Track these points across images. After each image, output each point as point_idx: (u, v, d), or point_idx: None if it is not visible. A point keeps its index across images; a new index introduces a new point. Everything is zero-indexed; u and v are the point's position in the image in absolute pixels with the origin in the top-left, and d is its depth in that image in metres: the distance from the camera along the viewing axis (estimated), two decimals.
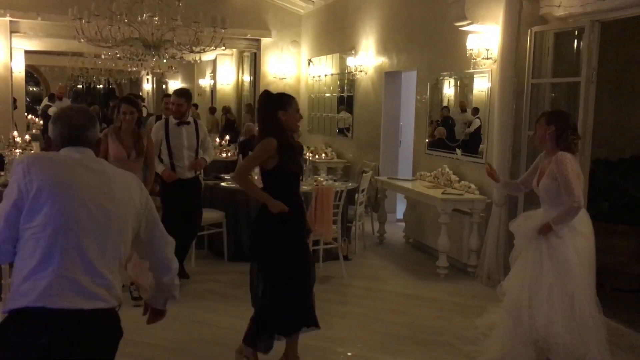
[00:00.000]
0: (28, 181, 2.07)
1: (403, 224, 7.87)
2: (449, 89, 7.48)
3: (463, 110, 7.10)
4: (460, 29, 6.27)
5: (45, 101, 13.24)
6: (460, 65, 6.83)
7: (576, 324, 3.67)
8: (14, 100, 11.39)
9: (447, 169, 6.90)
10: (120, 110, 5.10)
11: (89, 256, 2.09)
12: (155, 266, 2.46)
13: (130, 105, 5.15)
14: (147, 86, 23.66)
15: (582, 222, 3.86)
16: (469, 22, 6.02)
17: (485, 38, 6.17)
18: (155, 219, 2.41)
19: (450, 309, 5.25)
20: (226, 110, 13.85)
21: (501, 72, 5.83)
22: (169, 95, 7.05)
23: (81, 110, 2.32)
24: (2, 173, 6.35)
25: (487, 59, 6.19)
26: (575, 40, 5.60)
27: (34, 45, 12.79)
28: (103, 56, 10.76)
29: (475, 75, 6.73)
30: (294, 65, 12.32)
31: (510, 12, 5.67)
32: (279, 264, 3.75)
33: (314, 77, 11.69)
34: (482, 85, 6.64)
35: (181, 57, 9.34)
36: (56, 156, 2.22)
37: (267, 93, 3.99)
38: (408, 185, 7.18)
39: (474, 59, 6.37)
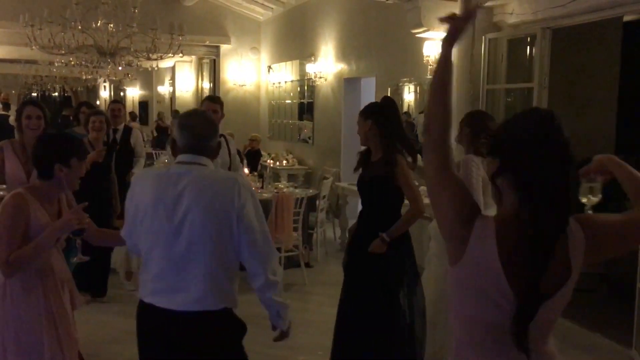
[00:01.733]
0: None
1: None
2: (409, 95, 7.57)
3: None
4: (417, 35, 6.35)
5: None
6: (419, 71, 6.92)
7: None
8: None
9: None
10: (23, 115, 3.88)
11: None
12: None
13: (36, 108, 3.95)
14: (105, 94, 23.20)
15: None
16: (425, 29, 6.10)
17: (441, 44, 6.25)
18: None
19: None
20: (159, 117, 13.86)
21: (457, 78, 5.92)
22: (116, 102, 6.68)
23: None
24: None
25: None
26: (528, 47, 5.74)
27: None
28: (57, 64, 10.49)
29: None
30: (254, 72, 12.28)
31: None
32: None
33: (274, 83, 11.67)
34: None
35: (138, 64, 9.20)
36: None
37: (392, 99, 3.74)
38: None
39: (430, 65, 6.46)
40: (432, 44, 6.34)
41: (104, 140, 5.18)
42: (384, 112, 3.50)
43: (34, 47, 7.95)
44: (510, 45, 5.86)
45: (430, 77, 6.66)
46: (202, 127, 2.37)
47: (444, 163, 1.54)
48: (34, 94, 22.40)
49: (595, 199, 1.87)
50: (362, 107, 9.23)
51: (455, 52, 5.70)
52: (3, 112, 12.86)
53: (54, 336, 2.62)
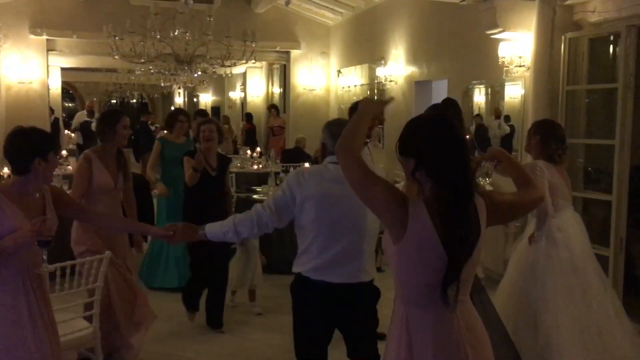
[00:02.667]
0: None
1: None
2: (479, 97, 7.42)
3: (497, 117, 7.04)
4: (492, 36, 6.22)
5: (82, 116, 13.47)
6: (492, 73, 6.76)
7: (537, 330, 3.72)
8: (52, 111, 11.65)
9: (480, 179, 6.82)
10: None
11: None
12: None
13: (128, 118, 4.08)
14: (179, 100, 24.01)
15: (563, 229, 3.83)
16: (500, 29, 5.96)
17: (517, 45, 6.10)
18: None
19: None
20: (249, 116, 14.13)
21: (535, 79, 5.75)
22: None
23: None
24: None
25: (520, 66, 6.12)
26: (611, 46, 5.50)
27: (70, 62, 13.12)
28: (137, 72, 10.95)
29: (506, 83, 6.65)
30: (324, 76, 12.37)
31: (543, 18, 5.60)
32: None
33: (343, 87, 11.71)
34: (514, 93, 6.57)
35: (213, 71, 9.47)
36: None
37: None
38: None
39: (506, 66, 6.30)
40: (507, 44, 6.19)
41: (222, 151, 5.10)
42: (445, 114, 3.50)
43: (116, 57, 8.32)
44: (591, 44, 5.63)
45: (505, 78, 6.50)
46: None
47: (366, 167, 2.00)
48: (113, 101, 23.47)
49: (488, 180, 2.71)
50: None
51: (533, 52, 5.61)
52: (88, 119, 13.56)
53: (34, 335, 2.61)
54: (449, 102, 3.61)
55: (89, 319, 3.48)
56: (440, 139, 1.96)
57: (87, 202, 3.83)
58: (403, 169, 2.03)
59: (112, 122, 3.93)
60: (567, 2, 5.51)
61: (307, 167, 3.15)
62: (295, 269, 2.94)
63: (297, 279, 2.95)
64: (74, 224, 3.95)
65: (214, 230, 2.85)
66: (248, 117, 14.02)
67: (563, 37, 5.62)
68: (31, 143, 2.68)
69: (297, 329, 3.01)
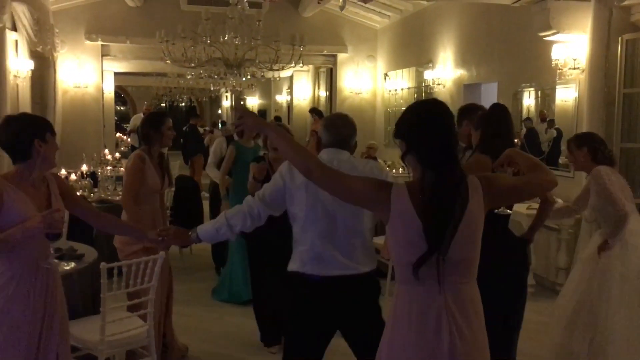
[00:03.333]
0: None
1: None
2: (529, 100, 7.27)
3: (543, 120, 6.89)
4: (545, 38, 6.09)
5: (138, 119, 13.79)
6: (543, 76, 6.62)
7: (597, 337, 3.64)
8: None
9: None
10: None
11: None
12: None
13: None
14: (226, 103, 24.38)
15: (635, 234, 3.70)
16: (554, 31, 5.84)
17: (572, 47, 5.96)
18: None
19: (537, 329, 5.04)
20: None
21: (590, 82, 5.60)
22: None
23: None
24: (96, 189, 6.69)
25: (574, 69, 5.97)
26: None
27: (123, 67, 13.46)
28: (188, 76, 11.18)
29: (558, 86, 6.50)
30: (370, 80, 12.35)
31: (599, 20, 5.45)
32: None
33: (390, 91, 11.66)
34: (565, 96, 6.41)
35: (261, 75, 9.57)
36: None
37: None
38: None
39: (559, 69, 6.17)
40: (561, 46, 6.05)
41: None
42: (492, 122, 3.31)
43: (167, 61, 8.51)
44: None
45: (558, 81, 6.35)
46: (343, 127, 2.90)
47: (331, 171, 2.12)
48: (163, 104, 24.02)
49: None
50: None
51: (588, 54, 5.47)
52: None
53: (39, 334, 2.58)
54: (497, 107, 3.48)
55: (143, 317, 3.57)
56: (426, 122, 2.02)
57: (135, 202, 3.86)
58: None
59: (157, 124, 3.96)
60: (624, 3, 5.36)
61: None
62: (290, 266, 2.85)
63: (292, 278, 2.83)
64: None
65: (206, 229, 2.77)
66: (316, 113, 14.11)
67: (620, 38, 5.46)
68: (27, 126, 2.61)
69: (291, 333, 2.89)
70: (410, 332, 2.01)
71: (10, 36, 7.90)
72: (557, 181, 2.24)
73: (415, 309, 2.02)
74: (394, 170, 9.94)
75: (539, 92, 7.03)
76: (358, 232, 2.80)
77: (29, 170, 2.59)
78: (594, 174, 3.74)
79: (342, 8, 7.04)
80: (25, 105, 8.47)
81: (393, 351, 2.06)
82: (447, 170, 1.99)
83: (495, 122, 3.25)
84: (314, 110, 12.52)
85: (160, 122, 4.00)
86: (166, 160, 4.14)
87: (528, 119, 7.24)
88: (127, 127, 14.35)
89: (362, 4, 8.96)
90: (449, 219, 1.96)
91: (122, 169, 9.30)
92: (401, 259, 2.05)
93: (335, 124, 2.91)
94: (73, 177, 6.62)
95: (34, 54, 8.76)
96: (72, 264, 3.63)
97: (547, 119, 6.78)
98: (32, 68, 8.60)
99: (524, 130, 7.25)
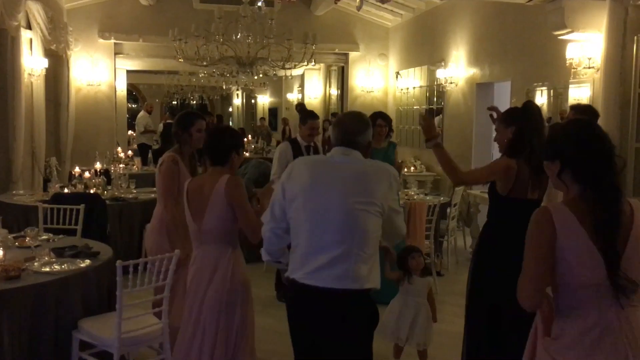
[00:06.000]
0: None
1: None
2: (541, 99, 7.23)
3: (562, 119, 6.84)
4: (559, 37, 6.05)
5: (145, 118, 13.83)
6: (556, 75, 6.58)
7: None
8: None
9: None
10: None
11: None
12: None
13: (204, 121, 4.09)
14: (237, 101, 24.44)
15: None
16: (569, 30, 5.80)
17: (586, 46, 5.92)
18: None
19: None
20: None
21: (605, 81, 5.56)
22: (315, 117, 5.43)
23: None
24: (109, 187, 6.72)
25: (589, 68, 5.93)
26: None
27: (135, 65, 13.55)
28: (200, 74, 11.22)
29: (571, 85, 6.46)
30: (382, 78, 12.33)
31: (615, 18, 5.41)
32: None
33: (401, 89, 11.64)
34: (578, 95, 6.37)
35: (274, 74, 9.60)
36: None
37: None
38: None
39: (574, 68, 6.13)
40: (575, 45, 6.01)
41: None
42: (528, 119, 3.28)
43: (180, 59, 8.55)
44: None
45: (572, 80, 6.31)
46: (350, 124, 2.68)
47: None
48: (174, 102, 24.12)
49: None
50: None
51: (603, 53, 5.41)
52: (169, 121, 13.93)
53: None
54: (528, 106, 3.41)
55: (158, 315, 3.59)
56: (584, 140, 1.98)
57: (175, 204, 3.80)
58: (547, 172, 2.07)
59: (186, 125, 3.93)
60: None
61: (305, 157, 2.90)
62: (288, 272, 2.59)
63: (288, 285, 2.59)
64: (155, 227, 3.98)
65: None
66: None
67: (635, 37, 5.41)
68: (232, 139, 3.19)
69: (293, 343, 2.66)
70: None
71: (25, 34, 7.96)
72: None
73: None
74: (405, 170, 9.93)
75: (552, 91, 6.98)
76: (356, 241, 2.46)
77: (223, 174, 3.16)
78: None
79: (358, 8, 7.04)
80: (39, 103, 8.54)
81: None
82: (609, 185, 1.94)
83: (533, 119, 3.23)
84: (300, 107, 12.26)
85: (189, 123, 3.93)
86: (195, 162, 4.10)
87: (549, 118, 7.19)
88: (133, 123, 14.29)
89: (380, 4, 8.94)
90: (617, 236, 1.90)
91: (134, 166, 9.37)
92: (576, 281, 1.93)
93: (342, 122, 2.71)
94: (87, 174, 6.65)
95: (48, 52, 8.83)
96: (88, 262, 3.66)
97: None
98: (46, 66, 8.67)
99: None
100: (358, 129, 2.65)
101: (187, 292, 3.25)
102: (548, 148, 2.04)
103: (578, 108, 4.42)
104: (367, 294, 2.48)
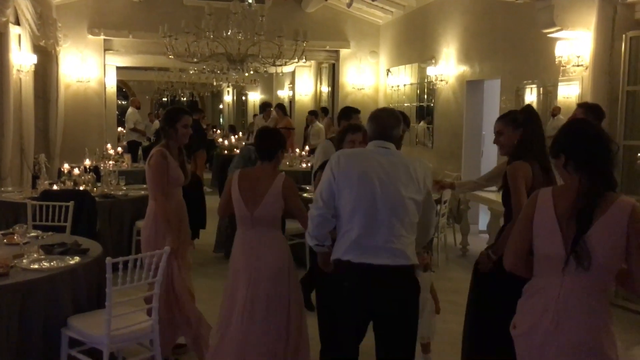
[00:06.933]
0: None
1: (486, 235, 7.67)
2: (531, 97, 7.27)
3: (554, 116, 6.87)
4: (549, 35, 6.09)
5: (134, 114, 13.70)
6: (546, 73, 6.62)
7: None
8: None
9: None
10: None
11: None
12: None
13: (190, 117, 4.19)
14: (228, 98, 24.37)
15: None
16: (558, 28, 5.84)
17: (575, 44, 5.96)
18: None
19: None
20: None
21: (594, 79, 5.60)
22: (357, 112, 5.24)
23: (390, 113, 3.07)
24: (99, 184, 6.68)
25: (578, 66, 5.97)
26: None
27: (125, 61, 13.46)
28: (190, 71, 11.17)
29: (560, 83, 6.50)
30: (373, 76, 12.34)
31: (604, 17, 5.45)
32: None
33: (392, 87, 11.66)
34: (568, 93, 6.41)
35: (264, 71, 9.58)
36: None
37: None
38: (492, 196, 6.99)
39: (563, 66, 6.17)
40: (565, 44, 6.05)
41: None
42: (534, 122, 3.39)
43: (170, 56, 8.51)
44: None
45: (562, 78, 6.35)
46: (387, 118, 2.98)
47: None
48: (164, 99, 24.00)
49: None
50: (485, 109, 8.90)
51: (592, 51, 5.44)
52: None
53: None
54: (531, 109, 3.52)
55: (149, 312, 3.58)
56: (580, 134, 2.32)
57: (166, 197, 3.91)
58: (556, 169, 2.44)
59: (172, 120, 4.01)
60: (628, 0, 5.35)
61: (347, 150, 3.23)
62: (334, 255, 2.88)
63: (336, 266, 2.87)
64: (149, 223, 3.99)
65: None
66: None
67: (624, 36, 5.46)
68: (280, 138, 3.63)
69: (326, 324, 3.01)
70: None
71: (14, 30, 7.89)
72: None
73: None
74: None
75: (541, 89, 7.02)
76: (403, 225, 2.79)
77: (272, 168, 3.60)
78: None
79: (349, 5, 7.05)
80: (28, 99, 8.48)
81: None
82: (603, 174, 2.24)
83: (536, 123, 3.37)
84: (279, 106, 12.12)
85: (175, 119, 4.02)
86: (183, 156, 4.17)
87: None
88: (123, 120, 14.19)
89: (370, 1, 8.96)
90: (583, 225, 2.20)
91: (124, 163, 9.32)
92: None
93: (378, 117, 2.99)
94: (76, 171, 6.61)
95: (37, 48, 8.76)
96: (77, 259, 3.64)
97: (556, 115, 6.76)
98: (35, 62, 8.60)
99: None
100: (392, 124, 2.95)
101: (235, 271, 3.57)
102: (553, 147, 2.35)
103: (586, 106, 4.50)
104: (413, 269, 2.87)
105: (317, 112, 12.14)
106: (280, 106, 11.71)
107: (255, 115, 16.37)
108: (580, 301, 2.23)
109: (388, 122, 2.94)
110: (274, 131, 3.87)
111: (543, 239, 2.30)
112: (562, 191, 2.31)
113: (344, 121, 5.06)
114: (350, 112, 5.20)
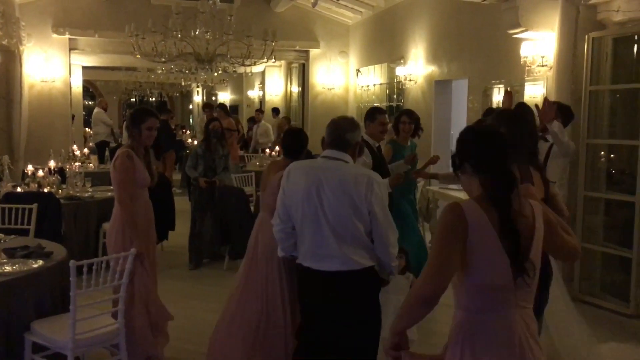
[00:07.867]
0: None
1: None
2: (498, 96, 7.37)
3: None
4: (514, 36, 6.18)
5: (101, 114, 13.50)
6: (513, 73, 6.72)
7: None
8: (72, 116, 11.73)
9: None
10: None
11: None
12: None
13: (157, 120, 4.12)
14: (197, 98, 24.16)
15: None
16: (523, 29, 5.92)
17: (540, 45, 6.06)
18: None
19: None
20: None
21: (557, 79, 5.71)
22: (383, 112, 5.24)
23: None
24: (64, 186, 6.56)
25: (542, 66, 6.07)
26: (635, 46, 5.44)
27: (91, 61, 13.24)
28: (158, 71, 11.03)
29: (527, 83, 6.60)
30: (342, 76, 12.37)
31: (567, 18, 5.55)
32: None
33: (362, 87, 11.70)
34: (533, 92, 6.52)
35: (233, 70, 9.51)
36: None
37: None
38: (461, 195, 7.07)
39: (528, 66, 6.27)
40: (530, 44, 6.15)
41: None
42: (520, 121, 3.24)
43: (137, 56, 8.40)
44: (615, 44, 5.57)
45: (527, 78, 6.45)
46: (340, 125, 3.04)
47: (440, 274, 2.03)
48: (133, 99, 23.68)
49: None
50: (453, 109, 8.95)
51: (556, 52, 5.49)
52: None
53: None
54: (524, 108, 3.57)
55: (115, 315, 3.52)
56: (474, 138, 2.15)
57: (131, 199, 3.84)
58: (460, 179, 2.16)
59: (137, 122, 3.96)
60: (590, 2, 5.46)
61: (298, 163, 3.26)
62: (298, 260, 3.12)
63: (300, 270, 3.14)
64: (115, 226, 3.93)
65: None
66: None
67: (587, 36, 5.57)
68: (304, 138, 3.84)
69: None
70: None
71: None
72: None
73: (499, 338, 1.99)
74: None
75: (508, 89, 7.12)
76: (342, 234, 2.92)
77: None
78: None
79: (314, 5, 7.06)
80: None
81: None
82: (505, 175, 2.04)
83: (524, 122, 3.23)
84: (220, 106, 11.99)
85: (140, 120, 3.97)
86: (148, 157, 4.11)
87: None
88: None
89: (337, 0, 8.97)
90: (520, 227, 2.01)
91: (90, 164, 9.17)
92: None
93: (333, 122, 3.05)
94: (40, 173, 6.47)
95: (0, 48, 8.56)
96: (40, 262, 3.57)
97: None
98: None
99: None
100: (347, 128, 2.98)
101: (251, 255, 3.78)
102: (454, 159, 2.13)
103: (558, 106, 4.56)
104: (366, 270, 2.95)
105: (263, 110, 12.20)
106: (222, 106, 11.45)
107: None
108: (533, 319, 2.08)
109: (343, 126, 3.00)
110: (300, 132, 4.04)
111: (486, 267, 1.96)
112: (483, 204, 2.00)
113: (369, 122, 5.13)
114: (375, 112, 5.22)
